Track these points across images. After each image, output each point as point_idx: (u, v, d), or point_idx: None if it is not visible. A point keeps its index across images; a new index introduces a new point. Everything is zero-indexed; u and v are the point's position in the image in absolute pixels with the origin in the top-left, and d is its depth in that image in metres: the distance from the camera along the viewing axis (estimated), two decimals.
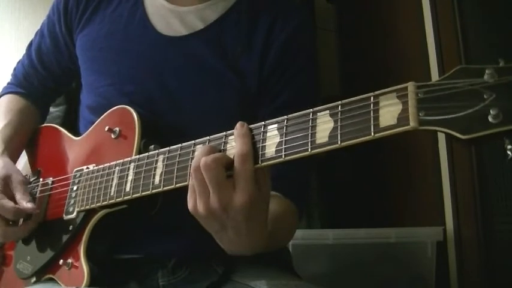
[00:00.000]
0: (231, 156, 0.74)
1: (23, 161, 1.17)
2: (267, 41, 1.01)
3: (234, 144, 0.75)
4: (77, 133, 1.10)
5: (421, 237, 1.71)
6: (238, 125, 0.74)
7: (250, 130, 0.74)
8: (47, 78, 1.20)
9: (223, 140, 0.77)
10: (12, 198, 0.99)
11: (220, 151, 0.75)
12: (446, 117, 0.58)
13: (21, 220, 1.01)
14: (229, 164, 0.73)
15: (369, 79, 2.19)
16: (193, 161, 0.74)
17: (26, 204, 0.97)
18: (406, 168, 2.03)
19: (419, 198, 2.00)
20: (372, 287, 1.71)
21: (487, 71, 0.57)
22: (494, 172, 1.67)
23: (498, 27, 1.63)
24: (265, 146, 0.73)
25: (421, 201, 1.98)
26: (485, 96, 0.56)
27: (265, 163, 0.72)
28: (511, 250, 1.61)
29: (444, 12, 1.81)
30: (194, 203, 0.74)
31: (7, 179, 1.01)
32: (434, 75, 1.80)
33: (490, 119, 0.56)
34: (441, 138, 1.78)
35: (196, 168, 0.73)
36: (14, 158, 1.11)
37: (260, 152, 0.72)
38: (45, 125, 1.21)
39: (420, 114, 0.60)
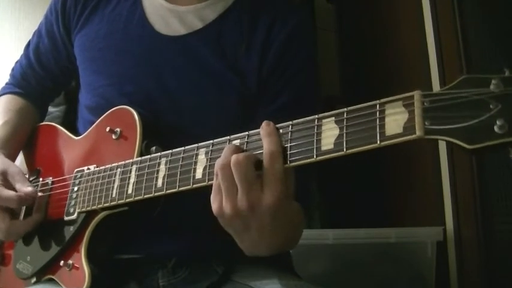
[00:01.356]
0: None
1: (18, 159, 1.16)
2: (267, 40, 1.01)
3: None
4: (76, 133, 1.10)
5: (421, 237, 1.71)
6: (264, 124, 0.73)
7: (278, 129, 0.72)
8: (45, 78, 1.20)
9: (227, 145, 0.76)
10: (12, 190, 0.99)
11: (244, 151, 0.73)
12: (452, 126, 0.58)
13: (21, 215, 1.01)
14: (257, 164, 0.71)
15: (369, 79, 2.19)
16: (220, 159, 0.72)
17: (26, 188, 0.98)
18: (406, 168, 2.03)
19: (419, 198, 2.00)
20: (372, 287, 1.71)
21: (493, 81, 0.57)
22: (494, 172, 1.67)
23: (498, 27, 1.63)
24: None
25: (421, 201, 1.98)
26: (491, 107, 0.57)
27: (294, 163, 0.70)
28: (511, 250, 1.61)
29: (444, 12, 1.81)
30: (220, 203, 0.72)
31: (5, 173, 1.01)
32: (435, 75, 1.80)
33: (495, 129, 0.56)
34: None
35: (224, 166, 0.71)
36: (12, 158, 1.10)
37: (288, 152, 0.71)
38: (43, 123, 1.20)
39: (426, 124, 0.60)
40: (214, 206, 0.73)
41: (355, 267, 1.70)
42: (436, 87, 1.75)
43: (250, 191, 0.70)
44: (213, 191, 0.73)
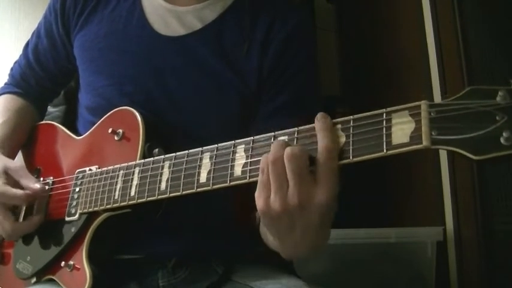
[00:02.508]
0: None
1: (17, 159, 1.16)
2: (267, 40, 1.01)
3: (243, 153, 0.74)
4: (76, 133, 1.10)
5: (421, 237, 1.72)
6: (320, 116, 0.69)
7: (334, 124, 0.69)
8: (44, 78, 1.20)
9: (232, 149, 0.76)
10: (17, 186, 0.99)
11: None
12: (458, 137, 0.59)
13: (21, 216, 1.01)
14: (310, 159, 0.69)
15: (369, 79, 2.19)
16: (270, 154, 0.69)
17: (33, 185, 0.97)
18: (406, 168, 2.03)
19: (419, 198, 2.00)
20: (372, 287, 1.71)
21: (499, 93, 0.57)
22: (494, 172, 1.67)
23: (498, 27, 1.63)
24: None
25: (421, 201, 1.98)
26: (497, 118, 0.57)
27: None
28: (511, 250, 1.62)
29: (444, 12, 1.81)
30: (266, 199, 0.69)
31: (7, 170, 1.01)
32: (434, 75, 1.80)
33: (502, 140, 0.56)
34: None
35: (276, 160, 0.68)
36: (10, 157, 1.10)
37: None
38: (43, 122, 1.20)
39: (433, 134, 0.60)
40: (260, 202, 0.70)
41: (355, 267, 1.70)
42: (436, 87, 1.76)
43: (302, 186, 0.67)
44: (258, 188, 0.70)
